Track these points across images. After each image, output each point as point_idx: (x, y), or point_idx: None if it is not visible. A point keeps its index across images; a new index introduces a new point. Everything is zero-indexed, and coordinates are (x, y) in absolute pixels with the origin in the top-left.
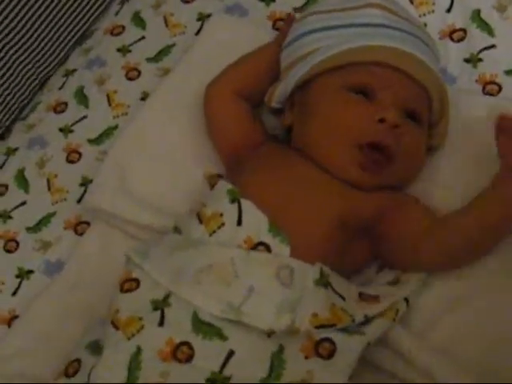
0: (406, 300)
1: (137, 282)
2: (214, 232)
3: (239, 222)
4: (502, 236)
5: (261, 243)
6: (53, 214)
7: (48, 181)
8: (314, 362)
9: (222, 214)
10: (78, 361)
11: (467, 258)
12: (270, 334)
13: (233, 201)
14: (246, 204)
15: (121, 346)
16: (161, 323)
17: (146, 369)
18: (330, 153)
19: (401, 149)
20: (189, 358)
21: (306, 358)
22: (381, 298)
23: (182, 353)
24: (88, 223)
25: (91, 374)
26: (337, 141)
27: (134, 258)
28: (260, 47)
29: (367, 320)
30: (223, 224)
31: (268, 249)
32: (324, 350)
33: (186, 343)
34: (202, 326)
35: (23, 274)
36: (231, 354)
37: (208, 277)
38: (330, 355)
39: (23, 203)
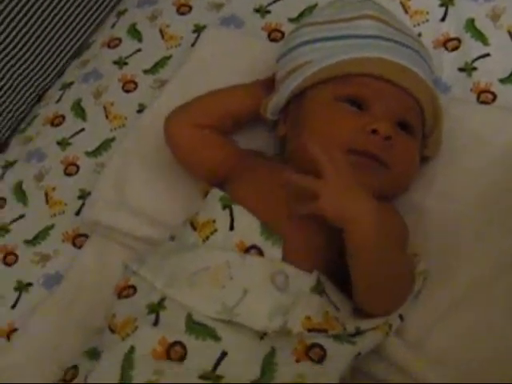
0: (400, 316)
1: (134, 288)
2: (208, 238)
3: (231, 227)
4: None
5: (253, 246)
6: (51, 227)
7: (46, 194)
8: (305, 366)
9: (214, 221)
10: (75, 367)
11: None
12: (262, 335)
13: (224, 207)
14: (238, 209)
15: (115, 347)
16: (155, 323)
17: (140, 367)
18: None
19: (393, 159)
20: (182, 358)
21: (297, 361)
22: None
23: (175, 352)
24: (86, 236)
25: (88, 377)
26: (328, 150)
27: (131, 265)
28: (234, 86)
29: (359, 332)
30: (216, 230)
31: (260, 252)
32: (314, 354)
33: (179, 343)
34: (196, 327)
35: (22, 287)
36: (224, 354)
37: (203, 279)
38: (320, 360)
39: (22, 216)
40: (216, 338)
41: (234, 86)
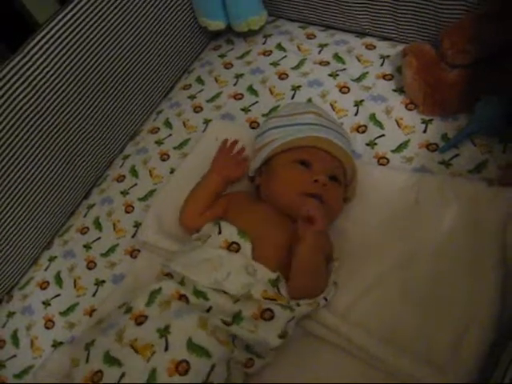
0: (325, 298)
1: (168, 275)
2: (205, 241)
3: (219, 232)
4: (317, 268)
5: (233, 242)
6: (117, 245)
7: (114, 224)
8: (258, 322)
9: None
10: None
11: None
12: (235, 301)
13: (215, 224)
14: (223, 222)
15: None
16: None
17: (161, 301)
18: (284, 200)
19: (327, 198)
20: (187, 303)
21: (255, 319)
22: None
23: (182, 301)
24: (139, 250)
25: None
26: (289, 193)
27: (165, 263)
28: (204, 178)
29: (298, 305)
30: (210, 236)
31: (238, 245)
32: (267, 315)
33: (184, 296)
34: (197, 292)
35: (99, 283)
36: (210, 308)
37: (205, 265)
38: (270, 319)
39: (98, 238)
40: (206, 298)
41: (207, 177)
